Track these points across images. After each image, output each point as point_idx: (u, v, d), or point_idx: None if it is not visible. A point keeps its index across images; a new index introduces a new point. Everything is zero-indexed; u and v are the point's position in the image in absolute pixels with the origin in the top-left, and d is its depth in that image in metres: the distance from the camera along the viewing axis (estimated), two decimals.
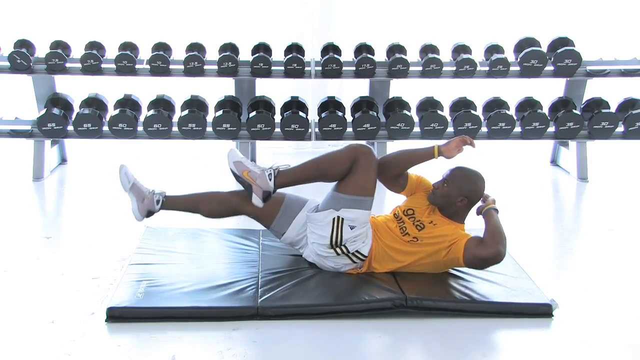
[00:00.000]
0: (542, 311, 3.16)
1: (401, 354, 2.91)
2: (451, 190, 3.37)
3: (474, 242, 3.30)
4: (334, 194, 3.38)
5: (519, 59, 5.35)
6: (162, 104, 5.24)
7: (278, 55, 5.43)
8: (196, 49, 5.40)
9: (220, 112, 5.14)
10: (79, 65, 5.21)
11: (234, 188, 3.57)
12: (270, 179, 3.34)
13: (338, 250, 3.35)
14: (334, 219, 3.32)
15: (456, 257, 3.32)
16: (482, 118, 5.28)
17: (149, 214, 3.50)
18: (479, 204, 3.46)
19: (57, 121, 5.09)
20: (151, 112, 5.12)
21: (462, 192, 3.37)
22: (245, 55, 5.41)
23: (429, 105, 5.34)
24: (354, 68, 5.31)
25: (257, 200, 3.36)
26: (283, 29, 6.19)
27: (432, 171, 3.66)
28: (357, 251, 3.35)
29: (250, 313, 3.08)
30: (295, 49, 5.42)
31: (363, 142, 3.43)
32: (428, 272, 3.42)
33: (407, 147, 3.58)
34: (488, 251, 3.25)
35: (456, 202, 3.38)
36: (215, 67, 5.27)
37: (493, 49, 5.47)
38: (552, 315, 3.15)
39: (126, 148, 5.96)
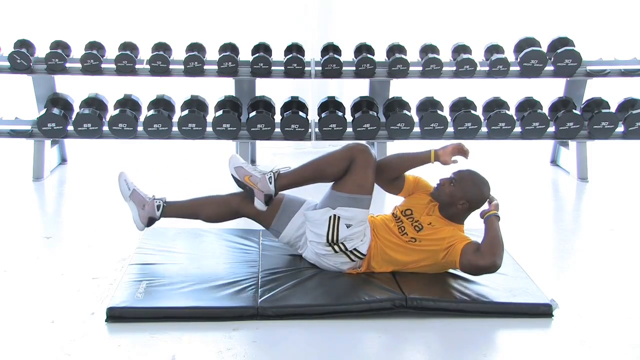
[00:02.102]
0: (542, 311, 3.16)
1: (401, 354, 2.91)
2: (456, 191, 3.38)
3: (471, 248, 3.29)
4: (331, 193, 3.40)
5: (519, 59, 5.34)
6: (162, 104, 5.23)
7: (278, 55, 5.43)
8: (196, 49, 5.40)
9: (220, 112, 5.14)
10: (79, 65, 5.20)
11: (232, 190, 3.58)
12: (270, 182, 3.39)
13: (336, 247, 3.35)
14: (330, 217, 3.33)
15: (453, 260, 3.32)
16: (482, 118, 5.27)
17: (151, 221, 3.51)
18: (485, 206, 3.45)
19: (57, 121, 5.09)
20: (151, 112, 5.12)
21: (466, 196, 3.37)
22: (245, 55, 5.40)
23: (429, 105, 5.33)
24: (354, 68, 5.31)
25: (259, 204, 3.41)
26: (283, 29, 6.19)
27: (431, 172, 3.66)
28: (355, 249, 3.36)
29: (250, 313, 3.08)
30: (295, 49, 5.42)
31: (362, 142, 3.45)
32: (426, 272, 3.42)
33: (403, 151, 3.58)
34: (484, 261, 3.23)
35: (458, 203, 3.38)
36: (215, 67, 5.27)
37: (493, 49, 5.47)
38: (552, 315, 3.15)
39: (126, 148, 5.96)
